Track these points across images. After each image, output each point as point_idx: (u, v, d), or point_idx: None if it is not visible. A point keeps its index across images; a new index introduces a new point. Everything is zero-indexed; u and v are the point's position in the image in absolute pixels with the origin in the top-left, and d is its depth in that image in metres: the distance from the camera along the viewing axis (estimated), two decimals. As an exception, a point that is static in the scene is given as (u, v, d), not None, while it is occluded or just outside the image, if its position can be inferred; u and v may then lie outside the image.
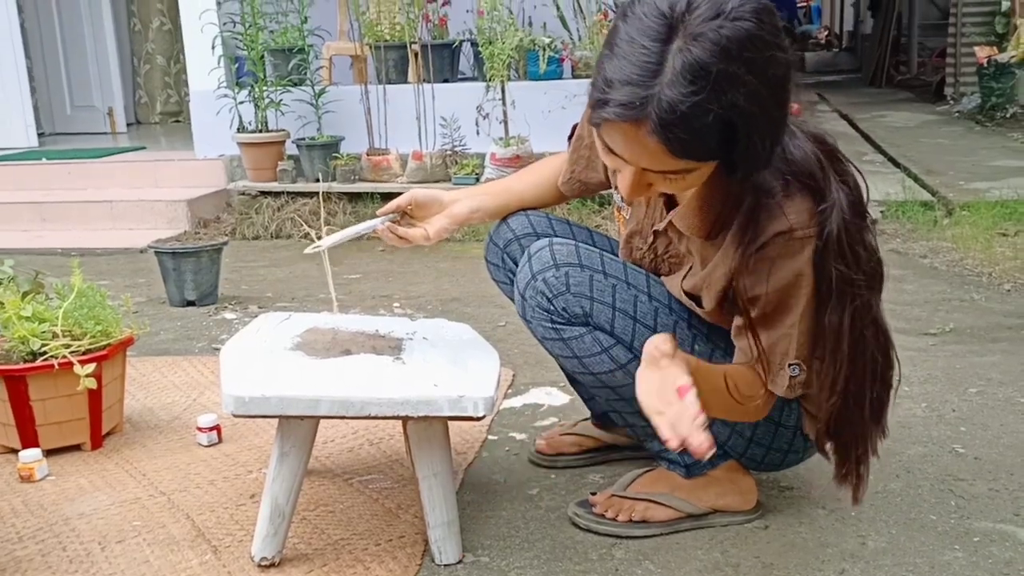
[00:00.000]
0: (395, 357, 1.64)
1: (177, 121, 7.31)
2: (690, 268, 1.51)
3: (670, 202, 1.52)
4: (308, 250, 1.68)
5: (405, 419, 1.52)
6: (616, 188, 1.64)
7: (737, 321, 1.46)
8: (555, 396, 2.32)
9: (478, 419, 1.49)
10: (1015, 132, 6.34)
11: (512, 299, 1.77)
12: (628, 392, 1.53)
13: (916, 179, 4.77)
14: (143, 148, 5.72)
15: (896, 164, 5.31)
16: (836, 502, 1.69)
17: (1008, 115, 6.86)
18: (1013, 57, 7.06)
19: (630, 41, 1.18)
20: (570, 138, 1.76)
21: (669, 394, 1.25)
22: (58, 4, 6.67)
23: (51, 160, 5.27)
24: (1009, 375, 2.33)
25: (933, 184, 4.59)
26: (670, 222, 1.49)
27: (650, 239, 1.59)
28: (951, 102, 7.95)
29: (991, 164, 5.14)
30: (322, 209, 1.74)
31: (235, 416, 1.45)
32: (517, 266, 1.63)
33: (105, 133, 6.71)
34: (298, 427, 1.52)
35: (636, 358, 1.51)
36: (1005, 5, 7.75)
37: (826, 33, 18.13)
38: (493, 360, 1.67)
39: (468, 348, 1.75)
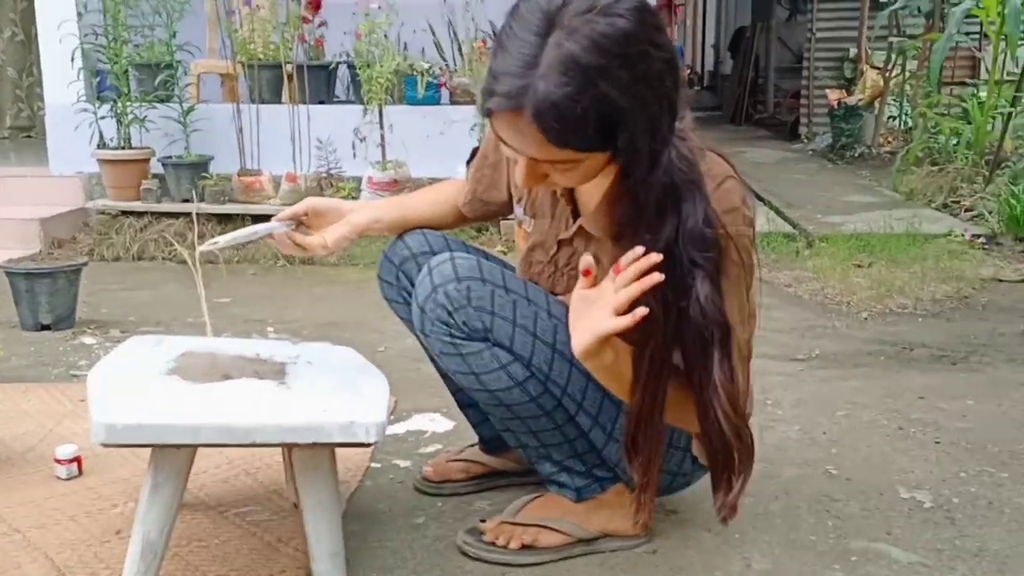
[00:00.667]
0: (279, 382, 1.57)
1: (28, 136, 6.93)
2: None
3: (577, 214, 1.53)
4: (203, 247, 1.62)
5: (291, 446, 1.46)
6: (517, 201, 1.65)
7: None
8: (439, 422, 2.28)
9: (369, 445, 1.44)
10: (863, 170, 6.73)
11: (404, 319, 1.73)
12: (524, 411, 1.52)
13: (778, 212, 4.98)
14: (-9, 163, 5.38)
15: (760, 198, 5.53)
16: (720, 525, 1.71)
17: (856, 154, 7.28)
18: (861, 100, 7.51)
19: (513, 36, 1.23)
20: (469, 162, 1.75)
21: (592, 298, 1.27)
22: (-102, 8, 6.24)
23: None
24: (872, 398, 2.44)
25: (794, 217, 4.80)
26: (579, 228, 1.50)
27: (552, 250, 1.59)
28: (805, 141, 8.38)
29: (844, 199, 5.43)
30: (195, 226, 1.67)
31: (105, 446, 1.35)
32: (412, 284, 1.60)
33: (-53, 147, 6.30)
34: (173, 456, 1.43)
35: (533, 376, 1.50)
36: (853, 52, 8.25)
37: (688, 72, 18.82)
38: (382, 384, 1.62)
39: (355, 373, 1.70)
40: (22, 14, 6.84)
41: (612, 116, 1.22)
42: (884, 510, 1.80)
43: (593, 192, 1.48)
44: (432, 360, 1.68)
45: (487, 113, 1.27)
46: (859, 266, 3.92)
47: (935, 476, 1.96)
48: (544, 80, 1.19)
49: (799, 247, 4.26)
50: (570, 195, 1.55)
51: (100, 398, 1.41)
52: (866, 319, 3.25)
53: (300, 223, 1.69)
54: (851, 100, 7.57)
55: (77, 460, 1.93)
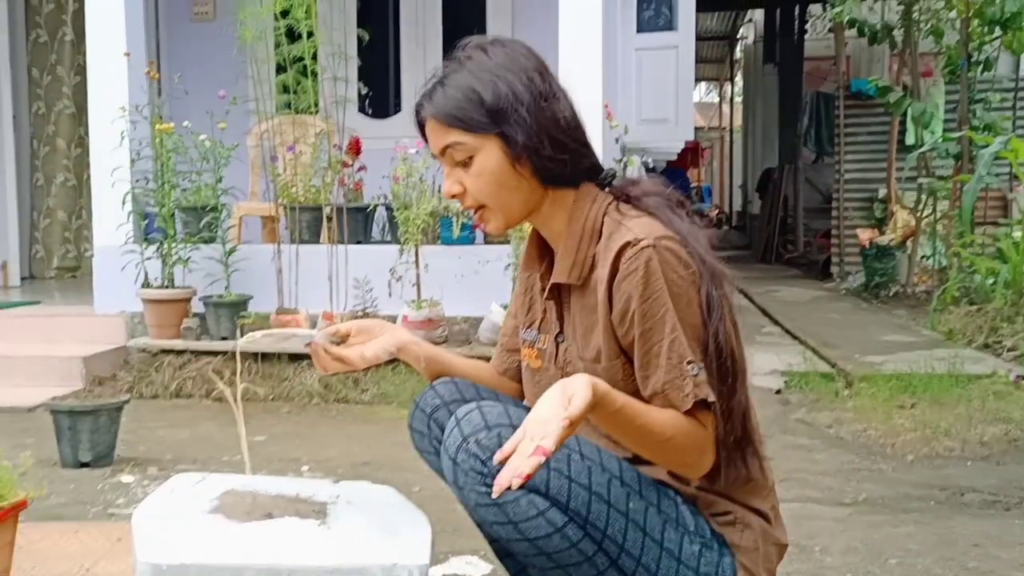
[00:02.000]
0: (321, 522, 1.55)
1: (73, 276, 7.11)
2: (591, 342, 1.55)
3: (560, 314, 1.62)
4: (241, 342, 1.71)
5: (333, 590, 1.43)
6: (526, 327, 1.71)
7: (638, 370, 1.49)
8: (476, 565, 2.23)
9: (411, 589, 1.40)
10: (899, 309, 6.70)
11: (436, 469, 1.72)
12: (565, 558, 1.49)
13: (815, 351, 4.95)
14: (38, 303, 5.51)
15: (794, 337, 5.51)
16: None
17: (891, 293, 7.27)
18: (892, 240, 7.56)
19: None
20: None
21: (542, 422, 1.30)
22: (-41, 156, 6.54)
23: (-63, 312, 5.02)
24: (925, 546, 2.36)
25: (831, 356, 4.76)
26: (553, 286, 1.60)
27: (554, 352, 1.62)
28: (837, 280, 8.40)
29: (882, 339, 5.39)
30: (238, 364, 1.69)
31: (148, 587, 1.33)
32: (443, 433, 1.60)
33: (-4, 287, 6.47)
34: (215, 599, 1.41)
35: (572, 520, 1.47)
36: (882, 192, 8.36)
37: (716, 212, 19.13)
38: (424, 526, 1.60)
39: (396, 513, 1.67)
40: (74, 161, 7.14)
41: (481, 98, 1.49)
42: (947, 665, 1.72)
43: (556, 240, 1.60)
44: (466, 509, 1.65)
45: (416, 123, 1.58)
46: (902, 407, 3.86)
47: (998, 628, 1.87)
48: (439, 85, 1.53)
49: (838, 388, 4.21)
50: (549, 259, 1.65)
51: (145, 538, 1.40)
52: (912, 462, 3.18)
53: (343, 340, 1.71)
54: (883, 240, 7.63)
55: (112, 603, 1.90)
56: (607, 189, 1.61)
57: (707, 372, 1.45)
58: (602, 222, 1.54)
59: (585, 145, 1.58)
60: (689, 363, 1.43)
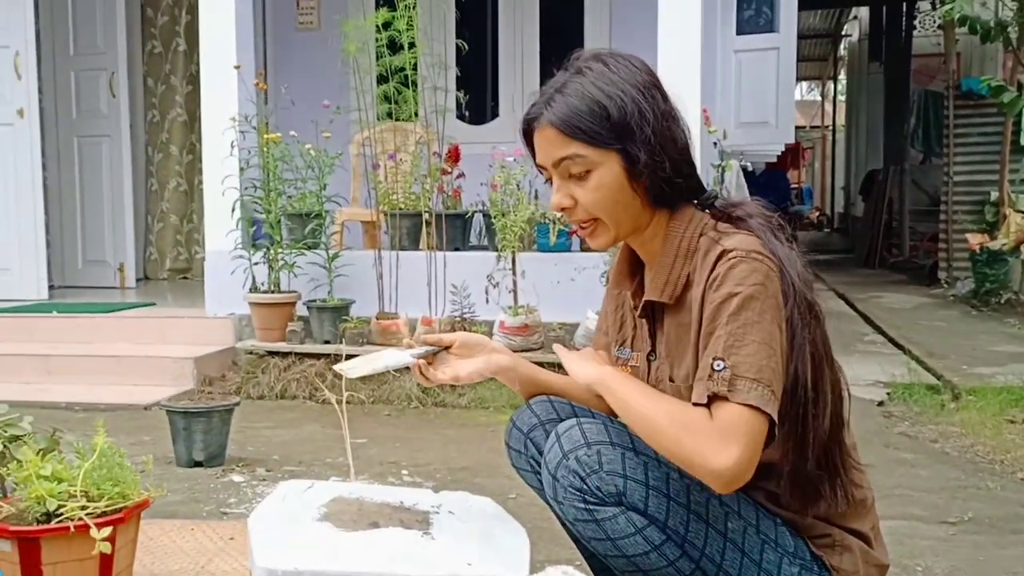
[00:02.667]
0: (424, 532, 1.61)
1: (185, 278, 7.41)
2: (682, 362, 1.56)
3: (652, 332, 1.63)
4: (338, 367, 1.77)
5: (437, 599, 1.48)
6: (618, 346, 1.73)
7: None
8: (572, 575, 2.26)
9: (511, 601, 1.45)
10: (1011, 318, 6.46)
11: (533, 486, 1.75)
12: (662, 576, 1.51)
13: (919, 361, 4.82)
14: (152, 304, 5.77)
15: (898, 346, 5.38)
16: None
17: (1003, 301, 7.01)
18: (1005, 245, 7.28)
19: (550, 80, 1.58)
20: None
21: None
22: (80, 162, 6.89)
23: (62, 313, 5.30)
24: (1035, 569, 2.29)
25: (937, 367, 4.64)
26: (646, 304, 1.61)
27: (646, 371, 1.63)
28: (945, 286, 8.13)
29: (991, 349, 5.21)
30: (344, 382, 1.76)
31: (264, 591, 1.41)
32: (540, 452, 1.63)
33: (114, 288, 6.79)
34: (325, 603, 1.48)
35: (670, 539, 1.49)
36: (994, 195, 8.05)
37: (817, 214, 18.70)
38: (522, 538, 1.65)
39: (495, 524, 1.73)
40: (186, 167, 7.45)
41: (607, 112, 1.49)
42: None
43: (651, 258, 1.61)
44: (564, 526, 1.68)
45: (524, 135, 1.59)
46: (1012, 422, 3.73)
47: (1112, 660, 1.81)
48: (559, 94, 1.52)
49: (944, 400, 4.10)
50: (640, 276, 1.66)
51: (262, 544, 1.48)
52: (1023, 480, 3.08)
53: (446, 349, 1.76)
54: (994, 244, 7.36)
55: (226, 600, 2.00)
56: (708, 210, 1.62)
57: (767, 387, 1.39)
58: (698, 241, 1.55)
59: (694, 165, 1.59)
60: (716, 359, 1.41)
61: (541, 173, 1.62)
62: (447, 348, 1.77)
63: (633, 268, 1.69)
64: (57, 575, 1.91)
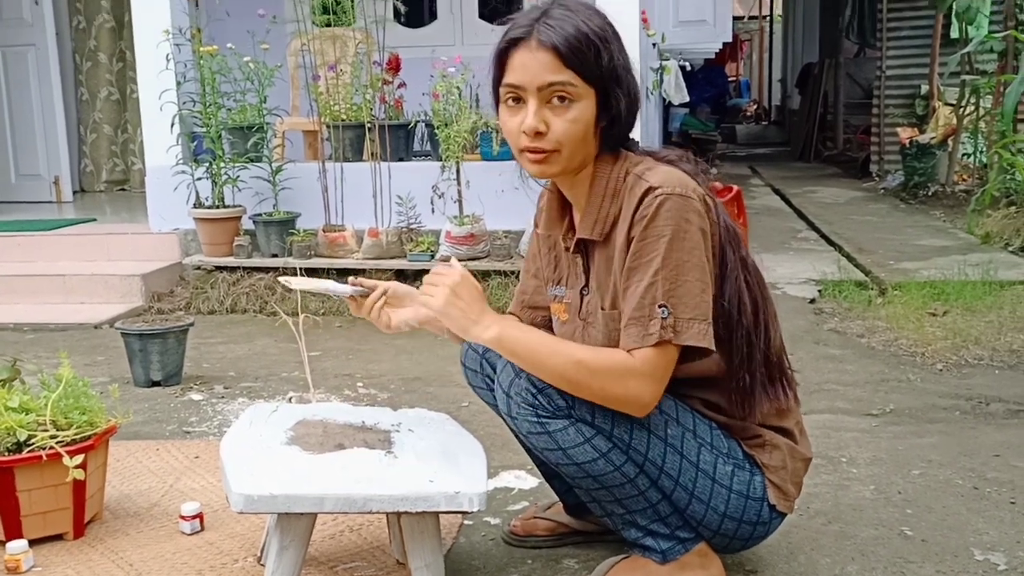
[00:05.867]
0: (387, 451, 1.72)
1: (123, 190, 7.30)
2: (609, 292, 1.67)
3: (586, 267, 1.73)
4: (281, 279, 1.90)
5: (402, 514, 1.60)
6: (553, 284, 1.82)
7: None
8: (525, 479, 2.41)
9: (471, 513, 1.58)
10: (937, 210, 6.71)
11: (488, 402, 1.88)
12: (609, 480, 1.65)
13: (850, 258, 5.02)
14: (94, 220, 5.70)
15: (830, 243, 5.58)
16: (799, 584, 1.81)
17: (930, 193, 7.26)
18: (933, 139, 7.49)
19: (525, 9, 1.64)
20: None
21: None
22: (6, 73, 6.67)
23: (1, 232, 5.23)
24: (947, 456, 2.50)
25: (866, 263, 4.84)
26: (578, 241, 1.70)
27: (578, 306, 1.74)
28: (876, 179, 8.37)
29: (917, 243, 5.44)
30: (298, 295, 1.83)
31: (241, 513, 1.51)
32: (494, 371, 1.74)
33: (50, 202, 6.68)
34: (298, 521, 1.60)
35: (616, 447, 1.63)
36: (924, 89, 8.23)
37: (755, 107, 18.82)
38: (479, 451, 1.77)
39: (452, 439, 1.85)
40: (117, 75, 7.25)
41: (599, 51, 1.56)
42: (958, 572, 1.88)
43: (579, 199, 1.70)
44: (517, 437, 1.81)
45: (503, 52, 1.60)
46: (933, 315, 3.95)
47: (1010, 537, 2.02)
48: (550, 18, 1.56)
49: (871, 296, 4.30)
50: (569, 217, 1.76)
51: (234, 470, 1.57)
52: (941, 371, 3.29)
53: (376, 292, 1.87)
54: (923, 138, 7.56)
55: (200, 516, 2.11)
56: (633, 153, 1.70)
57: (703, 320, 1.54)
58: (624, 180, 1.64)
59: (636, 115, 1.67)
60: (660, 306, 1.54)
61: (502, 93, 1.62)
62: (382, 295, 1.86)
63: (562, 211, 1.79)
64: (33, 501, 2.00)
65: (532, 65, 1.57)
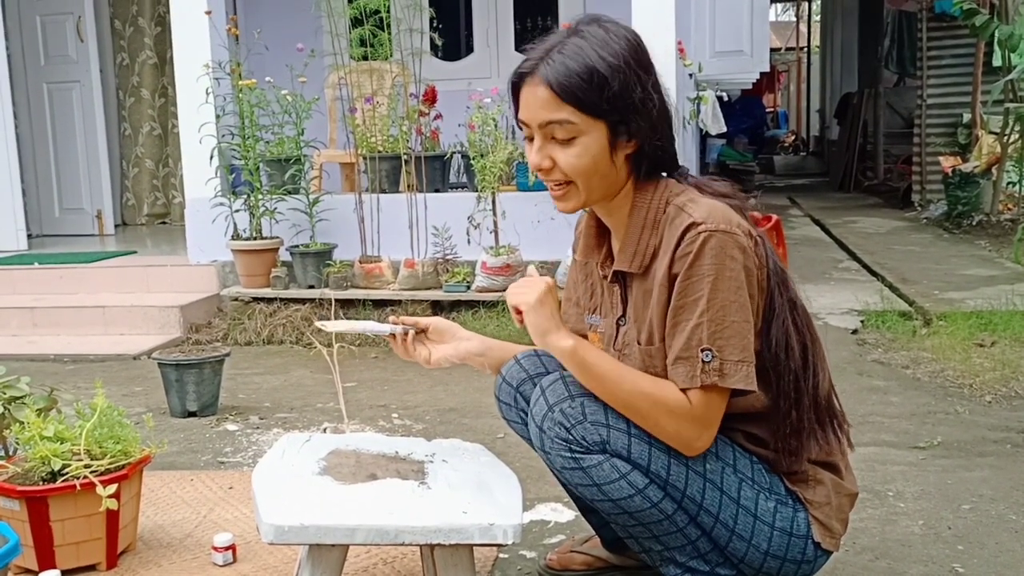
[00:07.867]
0: (420, 482, 1.69)
1: (163, 223, 7.40)
2: (646, 326, 1.63)
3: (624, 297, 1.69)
4: (317, 323, 1.87)
5: (435, 546, 1.57)
6: (590, 313, 1.79)
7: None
8: (561, 512, 2.36)
9: (506, 545, 1.54)
10: (982, 239, 6.58)
11: (523, 436, 1.84)
12: (646, 516, 1.60)
13: (893, 288, 4.93)
14: (134, 252, 5.78)
15: (872, 272, 5.48)
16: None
17: (974, 223, 7.12)
18: (977, 167, 7.36)
19: (547, 37, 1.60)
20: None
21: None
22: (51, 109, 6.82)
23: (43, 264, 5.31)
24: (999, 491, 2.41)
25: (909, 293, 4.74)
26: (615, 273, 1.66)
27: (613, 336, 1.70)
28: (918, 208, 8.24)
29: (962, 273, 5.33)
30: (334, 310, 1.83)
31: (272, 544, 1.49)
32: (528, 404, 1.71)
33: (93, 235, 6.78)
34: (329, 553, 1.57)
35: (653, 482, 1.58)
36: (966, 117, 8.11)
37: (793, 138, 18.71)
38: (514, 483, 1.73)
39: (487, 470, 1.81)
40: (159, 110, 7.38)
41: (606, 83, 1.51)
42: (1015, 611, 1.80)
43: (618, 226, 1.66)
44: (553, 472, 1.77)
45: (512, 86, 1.58)
46: (981, 345, 3.85)
47: (1068, 576, 1.94)
48: (560, 51, 1.53)
49: (916, 326, 4.21)
50: (607, 245, 1.72)
51: (265, 500, 1.55)
52: (990, 403, 3.20)
53: (420, 332, 1.84)
54: (966, 167, 7.44)
55: (232, 548, 2.08)
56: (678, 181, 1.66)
57: (749, 363, 1.51)
58: (665, 210, 1.60)
59: (674, 140, 1.63)
60: (704, 350, 1.50)
61: (520, 128, 1.63)
62: (423, 331, 1.84)
63: (600, 238, 1.75)
64: (66, 531, 1.99)
65: (532, 102, 1.55)
